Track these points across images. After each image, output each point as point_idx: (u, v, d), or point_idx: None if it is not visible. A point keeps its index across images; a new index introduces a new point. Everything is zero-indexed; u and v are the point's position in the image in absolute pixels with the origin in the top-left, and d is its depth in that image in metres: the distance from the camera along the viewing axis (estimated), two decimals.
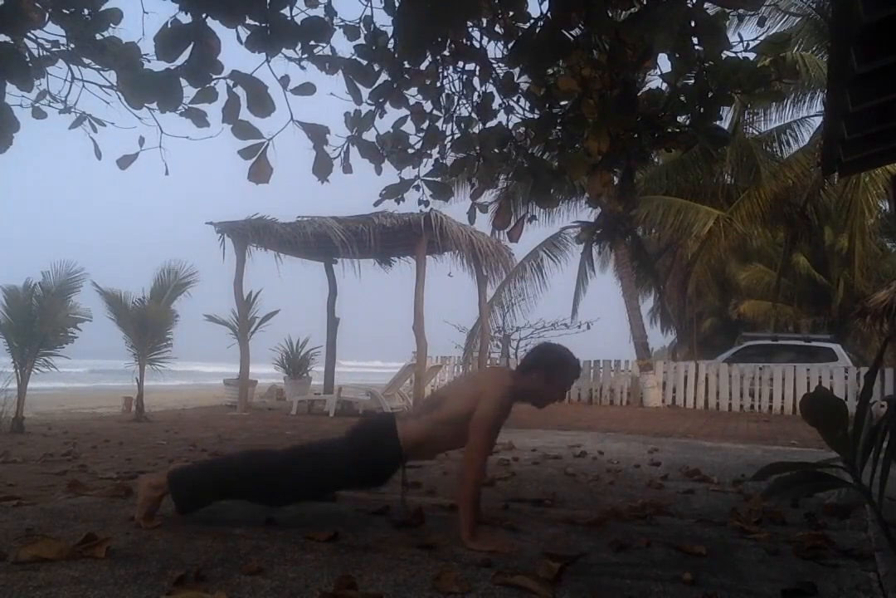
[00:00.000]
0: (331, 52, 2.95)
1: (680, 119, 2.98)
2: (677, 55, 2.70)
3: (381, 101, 3.17)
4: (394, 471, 2.68)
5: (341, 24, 3.04)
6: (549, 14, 2.44)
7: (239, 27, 2.30)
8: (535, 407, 2.79)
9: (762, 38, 2.78)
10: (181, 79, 2.33)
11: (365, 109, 3.18)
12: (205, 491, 2.61)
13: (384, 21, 3.00)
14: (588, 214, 17.41)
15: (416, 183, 3.42)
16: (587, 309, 18.72)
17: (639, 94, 2.93)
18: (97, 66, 3.06)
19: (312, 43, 2.74)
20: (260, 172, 2.59)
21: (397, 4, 2.74)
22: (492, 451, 2.70)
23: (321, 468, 2.64)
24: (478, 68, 3.29)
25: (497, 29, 3.07)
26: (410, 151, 3.39)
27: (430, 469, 4.02)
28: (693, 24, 2.54)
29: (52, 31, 2.86)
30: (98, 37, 2.82)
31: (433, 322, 11.04)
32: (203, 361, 31.75)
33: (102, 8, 2.74)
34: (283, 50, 2.58)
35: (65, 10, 2.70)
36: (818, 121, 14.96)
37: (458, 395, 2.66)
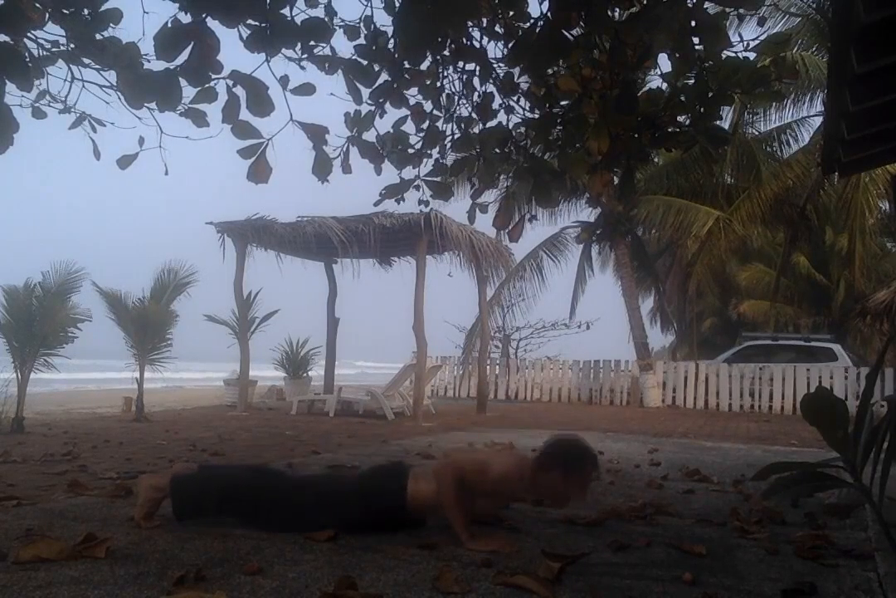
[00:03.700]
0: (331, 52, 2.95)
1: (680, 119, 2.98)
2: (677, 55, 2.70)
3: (381, 101, 3.17)
4: (394, 528, 2.57)
5: (341, 24, 3.04)
6: (549, 14, 2.45)
7: (239, 27, 2.30)
8: (555, 507, 2.68)
9: (762, 38, 2.78)
10: (181, 79, 2.33)
11: (365, 109, 3.18)
12: (206, 501, 2.58)
13: (384, 21, 3.00)
14: (588, 214, 17.42)
15: (416, 183, 3.42)
16: (587, 309, 18.73)
17: (639, 94, 2.93)
18: (97, 66, 3.06)
19: (312, 43, 2.74)
20: (260, 171, 2.59)
21: (397, 4, 2.74)
22: (462, 506, 2.47)
23: (324, 506, 2.57)
24: (478, 68, 3.28)
25: (497, 29, 3.07)
26: (410, 151, 3.39)
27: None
28: (693, 23, 2.55)
29: (52, 31, 2.87)
30: (98, 37, 2.82)
31: (433, 322, 11.06)
32: (203, 361, 31.74)
33: (102, 8, 2.74)
34: (283, 50, 2.58)
35: (65, 10, 2.70)
36: (818, 121, 14.97)
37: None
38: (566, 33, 2.46)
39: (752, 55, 2.78)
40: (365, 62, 3.02)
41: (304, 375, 11.92)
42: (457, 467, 2.49)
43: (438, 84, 3.34)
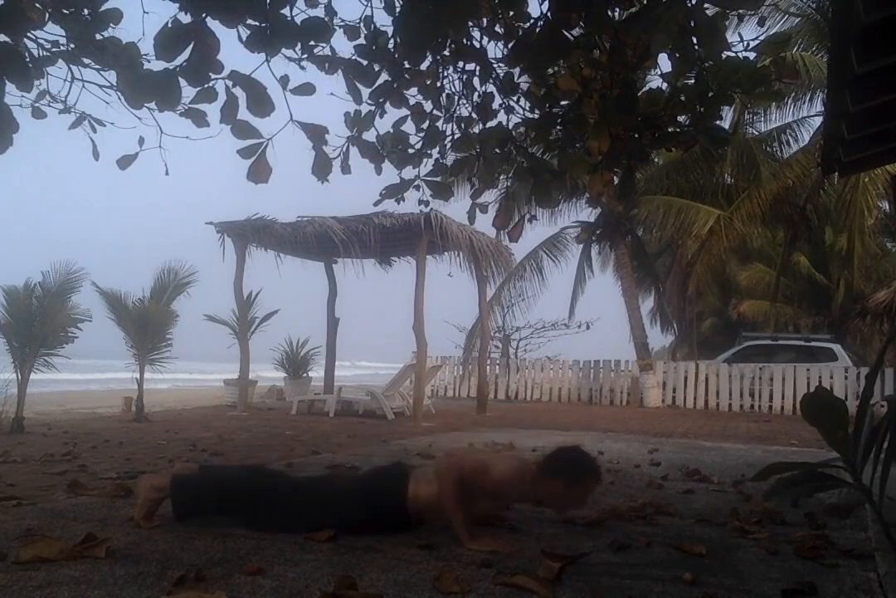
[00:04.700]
0: (331, 53, 2.95)
1: (680, 119, 2.98)
2: (677, 55, 2.70)
3: (381, 101, 3.17)
4: (394, 529, 2.56)
5: (341, 24, 3.04)
6: (549, 14, 2.45)
7: (239, 27, 2.30)
8: (554, 512, 2.72)
9: (762, 38, 2.78)
10: (181, 79, 2.33)
11: (365, 109, 3.18)
12: (206, 501, 2.57)
13: (384, 21, 3.00)
14: (588, 214, 17.44)
15: (416, 183, 3.42)
16: (587, 309, 18.74)
17: (639, 94, 2.93)
18: (97, 67, 3.06)
19: (312, 43, 2.74)
20: (259, 171, 2.59)
21: (397, 4, 2.74)
22: (462, 512, 2.46)
23: (324, 507, 2.56)
24: (478, 68, 3.28)
25: (497, 29, 3.07)
26: (410, 151, 3.39)
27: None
28: (693, 24, 2.54)
29: (52, 31, 2.87)
30: (98, 37, 2.82)
31: (433, 322, 11.05)
32: (203, 361, 31.74)
33: (102, 8, 2.74)
34: (283, 50, 2.58)
35: (65, 10, 2.71)
36: (818, 121, 14.98)
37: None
38: (566, 33, 2.46)
39: (752, 55, 2.78)
40: (365, 62, 3.02)
41: (304, 375, 11.92)
42: (458, 467, 2.49)
43: (438, 84, 3.34)
